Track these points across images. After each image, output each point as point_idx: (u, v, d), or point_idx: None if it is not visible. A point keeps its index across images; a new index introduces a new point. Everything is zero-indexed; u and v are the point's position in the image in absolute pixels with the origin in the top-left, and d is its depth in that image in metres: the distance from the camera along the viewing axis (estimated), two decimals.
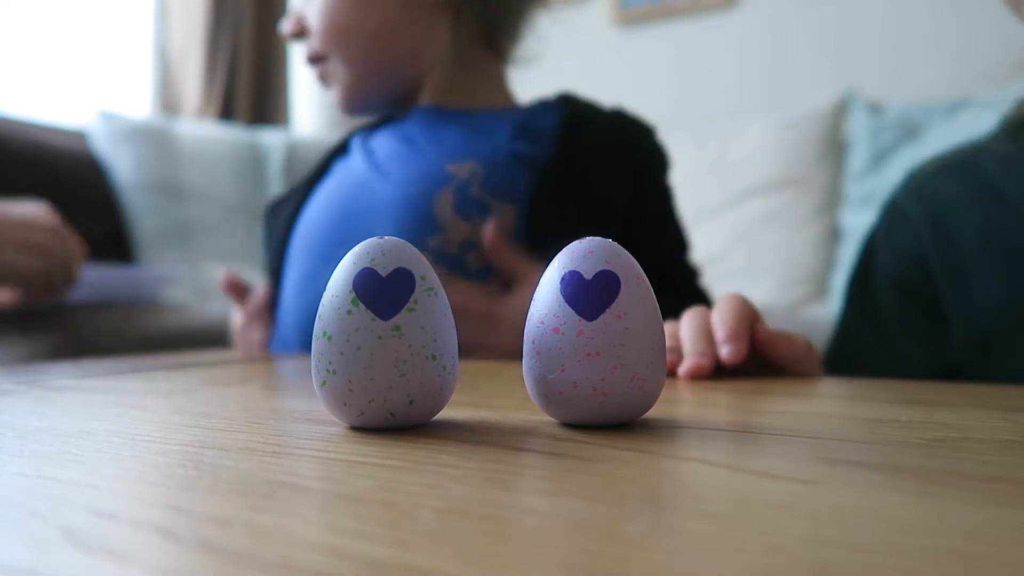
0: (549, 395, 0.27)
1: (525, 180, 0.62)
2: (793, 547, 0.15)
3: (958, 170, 0.60)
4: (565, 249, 0.28)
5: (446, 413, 0.30)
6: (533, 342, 0.27)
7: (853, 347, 0.55)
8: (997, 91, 1.42)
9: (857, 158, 1.63)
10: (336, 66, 0.69)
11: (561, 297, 0.27)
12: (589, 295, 0.26)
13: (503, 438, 0.26)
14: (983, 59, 1.70)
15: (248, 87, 2.20)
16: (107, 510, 0.18)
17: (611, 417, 0.27)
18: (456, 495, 0.19)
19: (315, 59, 0.70)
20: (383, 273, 0.26)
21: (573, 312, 0.26)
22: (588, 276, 0.26)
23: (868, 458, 0.23)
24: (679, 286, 0.68)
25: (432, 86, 0.70)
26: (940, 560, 0.15)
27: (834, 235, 1.63)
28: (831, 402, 0.38)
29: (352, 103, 0.71)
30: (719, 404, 0.35)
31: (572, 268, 0.27)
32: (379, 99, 0.72)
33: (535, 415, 0.30)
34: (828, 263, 1.61)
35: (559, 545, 0.15)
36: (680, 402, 0.35)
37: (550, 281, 0.27)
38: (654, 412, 0.29)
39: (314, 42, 0.69)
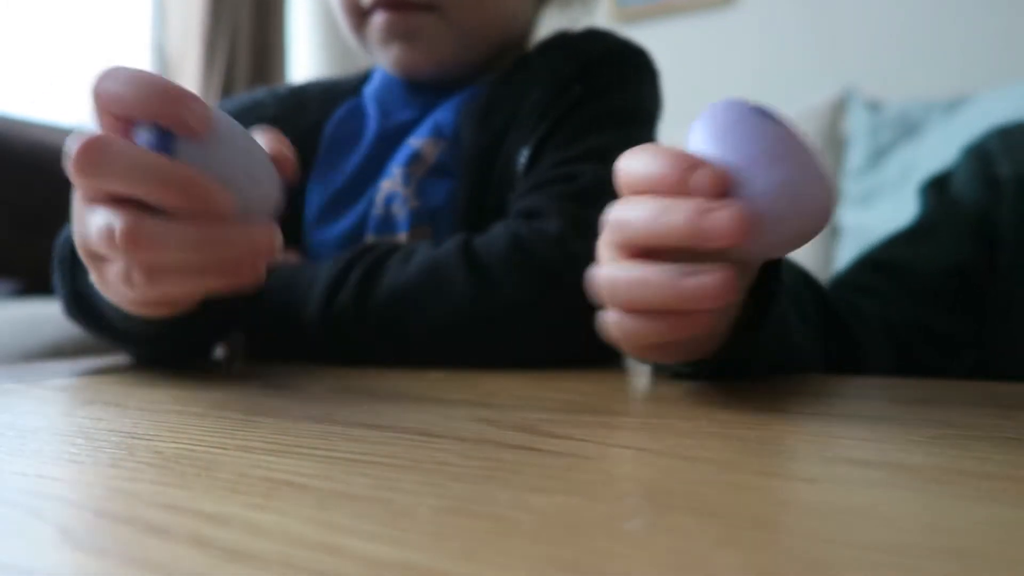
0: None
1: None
2: (792, 545, 0.15)
3: None
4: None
5: (446, 412, 0.30)
6: None
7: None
8: (996, 90, 1.42)
9: (856, 156, 1.63)
10: (445, 21, 0.57)
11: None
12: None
13: (501, 436, 0.26)
14: (983, 58, 1.71)
15: (246, 86, 2.20)
16: (105, 509, 0.18)
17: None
18: (454, 493, 0.19)
19: (416, 3, 0.56)
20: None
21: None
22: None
23: (867, 456, 0.23)
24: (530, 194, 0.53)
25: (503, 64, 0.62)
26: (939, 558, 0.14)
27: (832, 233, 1.63)
28: (830, 400, 0.38)
29: (441, 68, 0.59)
30: (718, 402, 0.35)
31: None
32: (463, 70, 0.60)
33: (534, 413, 0.30)
34: (826, 261, 1.61)
35: (558, 543, 0.15)
36: (679, 399, 0.35)
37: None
38: (653, 410, 0.29)
39: None
